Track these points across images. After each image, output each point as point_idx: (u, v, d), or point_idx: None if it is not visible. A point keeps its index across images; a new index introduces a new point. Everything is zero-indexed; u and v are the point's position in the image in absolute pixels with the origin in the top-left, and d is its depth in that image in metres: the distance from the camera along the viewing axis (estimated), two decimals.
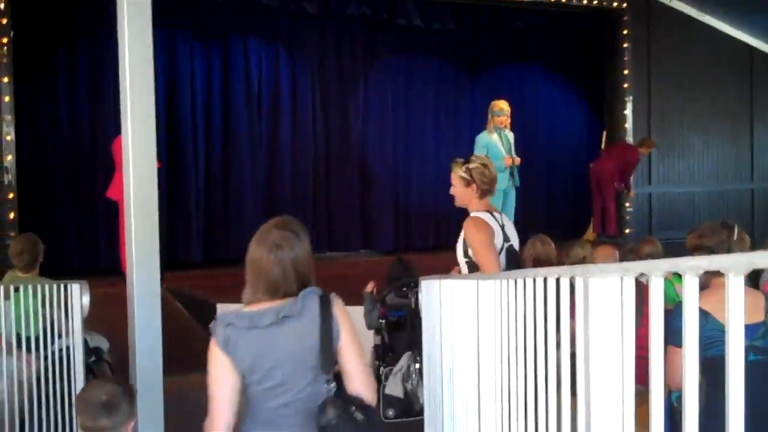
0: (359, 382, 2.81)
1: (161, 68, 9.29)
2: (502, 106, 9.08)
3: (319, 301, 2.82)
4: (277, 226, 2.89)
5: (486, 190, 4.64)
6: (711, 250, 3.46)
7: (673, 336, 3.32)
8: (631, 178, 11.95)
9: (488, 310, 2.53)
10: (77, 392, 3.50)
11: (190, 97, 10.29)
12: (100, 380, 3.27)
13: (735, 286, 1.14)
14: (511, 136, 9.13)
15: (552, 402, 1.98)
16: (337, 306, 2.87)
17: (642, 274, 1.42)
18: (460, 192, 4.70)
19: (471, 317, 2.84)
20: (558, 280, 1.81)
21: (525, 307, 2.10)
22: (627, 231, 12.57)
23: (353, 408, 2.67)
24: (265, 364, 2.75)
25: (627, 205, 12.65)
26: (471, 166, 4.66)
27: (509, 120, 9.08)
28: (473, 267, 4.46)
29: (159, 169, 5.46)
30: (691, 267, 1.18)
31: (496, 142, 8.96)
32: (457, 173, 4.68)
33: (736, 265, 1.10)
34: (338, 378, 2.87)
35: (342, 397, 2.76)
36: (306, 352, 2.76)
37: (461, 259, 4.62)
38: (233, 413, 2.76)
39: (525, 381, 2.18)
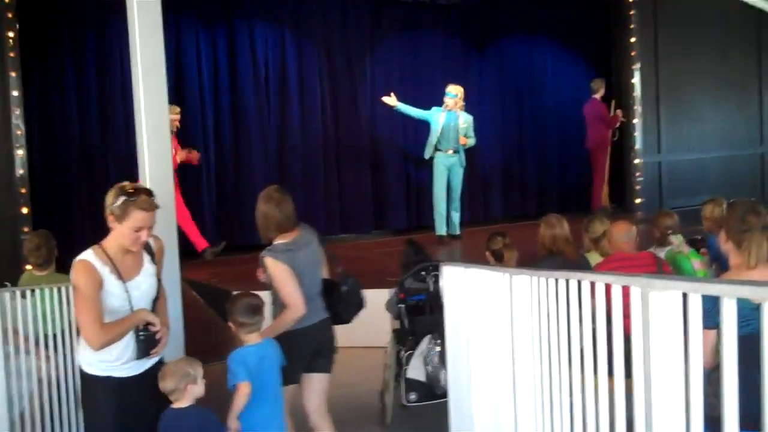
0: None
1: (167, 55, 9.19)
2: (452, 90, 9.92)
3: (311, 229, 4.81)
4: (276, 190, 4.66)
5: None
6: (739, 233, 3.43)
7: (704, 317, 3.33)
8: (614, 122, 11.92)
9: (525, 303, 2.52)
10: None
11: (198, 84, 10.21)
12: (246, 293, 4.43)
13: None
14: (463, 118, 9.95)
15: (599, 389, 1.96)
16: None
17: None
18: None
19: (504, 308, 2.82)
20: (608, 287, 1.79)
21: (568, 306, 2.08)
22: (638, 201, 12.53)
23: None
24: (306, 269, 4.56)
25: (637, 174, 12.60)
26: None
27: (461, 104, 9.95)
28: None
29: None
30: None
31: (440, 120, 9.91)
32: None
33: None
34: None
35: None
36: (317, 258, 4.76)
37: None
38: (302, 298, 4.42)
39: (569, 371, 2.16)
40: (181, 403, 3.87)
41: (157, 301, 3.91)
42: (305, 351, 4.66)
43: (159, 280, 3.93)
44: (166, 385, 3.83)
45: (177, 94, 9.84)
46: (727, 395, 1.21)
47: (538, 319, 2.38)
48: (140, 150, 5.28)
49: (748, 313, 3.20)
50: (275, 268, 4.48)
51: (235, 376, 4.11)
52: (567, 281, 2.06)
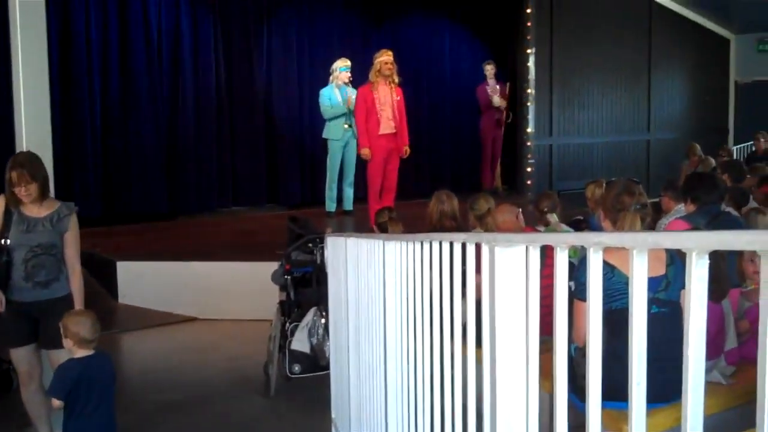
0: None
1: (54, 19, 8.82)
2: (346, 63, 9.86)
3: None
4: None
5: None
6: (614, 212, 3.54)
7: (577, 290, 3.40)
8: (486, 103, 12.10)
9: (394, 270, 2.54)
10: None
11: (85, 49, 9.79)
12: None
13: (639, 263, 1.14)
14: (352, 91, 9.67)
15: (456, 354, 1.99)
16: None
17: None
18: None
19: (377, 276, 2.84)
20: (464, 245, 1.81)
21: (431, 267, 2.10)
22: (529, 182, 12.80)
23: None
24: None
25: (529, 156, 12.86)
26: None
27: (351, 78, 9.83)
28: None
29: (53, 125, 5.30)
30: (597, 243, 1.19)
31: (338, 96, 9.74)
32: None
33: (640, 244, 1.10)
34: None
35: None
36: None
37: None
38: None
39: (431, 335, 2.20)
40: (87, 351, 3.84)
41: None
42: None
43: None
44: (88, 332, 3.80)
45: (64, 59, 9.48)
46: (558, 346, 1.24)
47: (405, 284, 2.41)
48: (18, 111, 5.09)
49: (622, 287, 3.32)
50: (77, 226, 4.49)
51: None
52: (431, 243, 2.08)
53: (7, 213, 4.36)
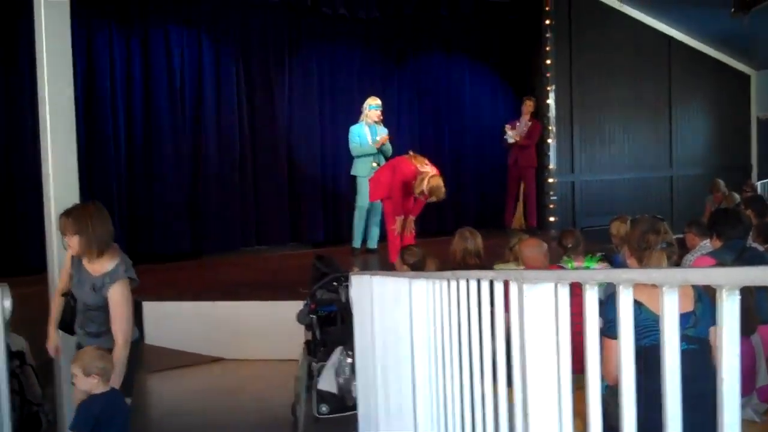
0: None
1: (79, 59, 8.96)
2: (377, 102, 10.01)
3: None
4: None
5: None
6: (639, 250, 3.53)
7: (605, 327, 3.38)
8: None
9: (423, 308, 2.54)
10: None
11: (109, 89, 9.92)
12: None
13: (669, 300, 1.15)
14: (382, 130, 9.99)
15: (487, 394, 1.99)
16: None
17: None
18: None
19: (404, 314, 2.84)
20: (492, 283, 1.82)
21: (459, 305, 2.11)
22: (551, 219, 12.76)
23: None
24: None
25: (551, 193, 12.84)
26: None
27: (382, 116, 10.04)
28: None
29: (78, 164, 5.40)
30: (626, 280, 1.20)
31: (367, 134, 9.90)
32: None
33: (670, 280, 1.11)
34: None
35: None
36: None
37: None
38: None
39: (460, 375, 2.19)
40: (106, 387, 3.88)
41: None
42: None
43: None
44: (107, 366, 3.86)
45: (88, 98, 9.62)
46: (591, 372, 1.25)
47: (433, 323, 2.41)
48: (44, 151, 5.17)
49: (651, 324, 3.30)
50: (127, 293, 4.14)
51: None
52: (458, 281, 2.10)
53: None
